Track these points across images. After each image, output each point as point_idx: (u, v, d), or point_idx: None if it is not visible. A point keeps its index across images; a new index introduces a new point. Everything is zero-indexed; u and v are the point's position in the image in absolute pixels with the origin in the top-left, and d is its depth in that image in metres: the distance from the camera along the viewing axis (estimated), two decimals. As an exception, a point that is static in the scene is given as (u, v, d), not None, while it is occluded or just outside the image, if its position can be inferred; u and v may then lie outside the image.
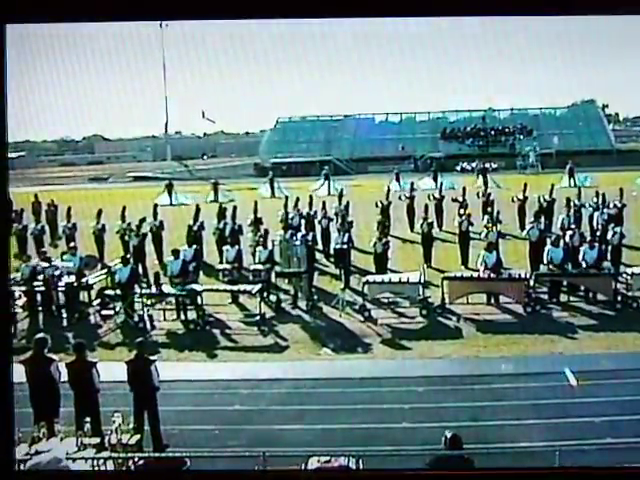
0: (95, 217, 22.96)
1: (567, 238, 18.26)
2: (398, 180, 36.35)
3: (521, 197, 24.88)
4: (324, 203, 23.79)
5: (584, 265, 16.85)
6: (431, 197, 25.79)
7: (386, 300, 17.18)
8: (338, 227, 20.48)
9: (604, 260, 17.38)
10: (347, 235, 19.43)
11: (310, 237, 20.12)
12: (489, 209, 23.31)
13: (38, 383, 10.21)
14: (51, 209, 27.14)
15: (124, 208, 22.64)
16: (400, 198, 27.03)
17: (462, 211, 21.91)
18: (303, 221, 22.35)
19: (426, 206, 23.29)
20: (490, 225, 20.47)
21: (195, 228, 21.48)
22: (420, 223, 21.81)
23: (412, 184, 28.63)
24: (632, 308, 16.21)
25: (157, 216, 22.51)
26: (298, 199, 24.06)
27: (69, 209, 24.77)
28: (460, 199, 24.69)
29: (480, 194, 26.00)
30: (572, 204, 22.07)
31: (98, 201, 27.08)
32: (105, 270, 18.93)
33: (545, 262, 17.26)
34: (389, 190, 26.74)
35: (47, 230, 24.82)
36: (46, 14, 4.31)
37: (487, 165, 42.81)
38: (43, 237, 23.94)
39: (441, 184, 29.56)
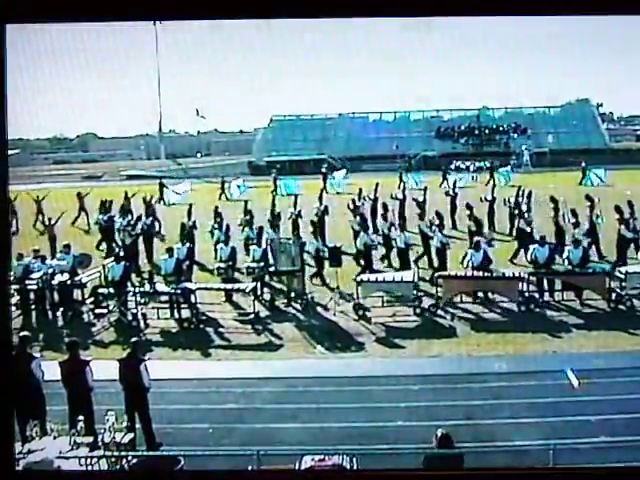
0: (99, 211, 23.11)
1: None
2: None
3: (489, 197, 24.84)
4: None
5: (567, 264, 16.90)
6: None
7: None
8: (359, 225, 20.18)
9: (589, 260, 17.33)
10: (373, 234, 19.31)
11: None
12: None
13: (20, 381, 10.09)
14: (124, 206, 25.07)
15: (122, 206, 22.71)
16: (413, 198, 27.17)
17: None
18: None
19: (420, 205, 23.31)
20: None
21: (189, 226, 21.37)
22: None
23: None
24: (626, 307, 16.25)
25: (149, 215, 22.51)
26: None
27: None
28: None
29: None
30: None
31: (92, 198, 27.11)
32: (99, 268, 18.86)
33: (529, 261, 17.27)
34: (361, 191, 26.33)
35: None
36: (46, 14, 4.28)
37: (486, 164, 42.74)
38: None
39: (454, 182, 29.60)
